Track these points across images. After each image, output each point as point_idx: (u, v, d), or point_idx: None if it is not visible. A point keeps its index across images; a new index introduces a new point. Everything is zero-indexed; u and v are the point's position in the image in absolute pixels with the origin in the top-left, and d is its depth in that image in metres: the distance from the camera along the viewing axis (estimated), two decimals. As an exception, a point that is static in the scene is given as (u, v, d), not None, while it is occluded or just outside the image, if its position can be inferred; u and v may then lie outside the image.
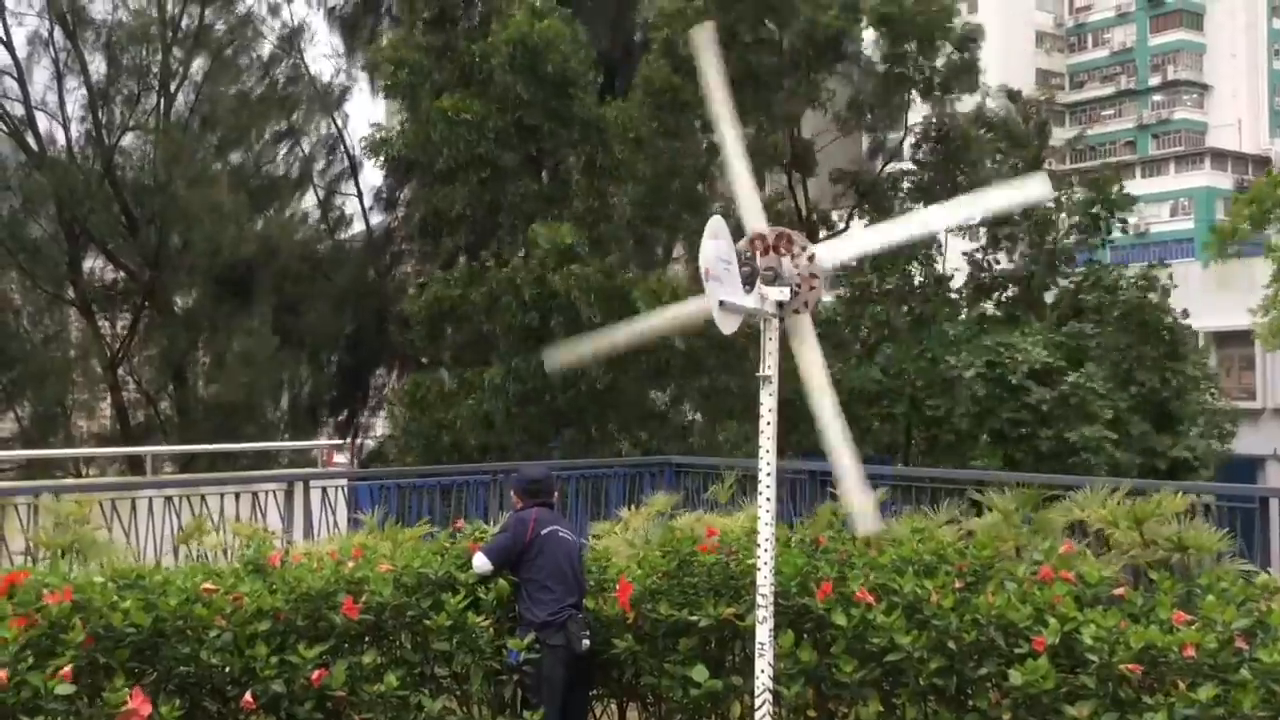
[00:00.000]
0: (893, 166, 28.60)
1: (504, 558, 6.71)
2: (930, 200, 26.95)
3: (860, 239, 5.85)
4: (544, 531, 6.77)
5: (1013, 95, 30.02)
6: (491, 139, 20.36)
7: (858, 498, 5.51)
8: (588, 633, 6.56)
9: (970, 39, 26.16)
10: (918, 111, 27.80)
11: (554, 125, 20.54)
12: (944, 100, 26.78)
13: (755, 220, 5.41)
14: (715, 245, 4.81)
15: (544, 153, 21.65)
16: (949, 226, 5.01)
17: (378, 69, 23.86)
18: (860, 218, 28.51)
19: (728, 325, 5.06)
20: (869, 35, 27.36)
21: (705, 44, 5.92)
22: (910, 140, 27.97)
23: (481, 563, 6.67)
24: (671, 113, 22.23)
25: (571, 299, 18.92)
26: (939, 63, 26.12)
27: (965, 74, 26.43)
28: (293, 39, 31.50)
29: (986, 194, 5.92)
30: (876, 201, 27.38)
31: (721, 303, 4.85)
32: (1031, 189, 5.77)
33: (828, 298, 26.92)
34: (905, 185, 27.73)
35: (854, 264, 23.72)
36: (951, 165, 26.57)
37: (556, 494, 7.40)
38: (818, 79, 25.69)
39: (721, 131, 5.67)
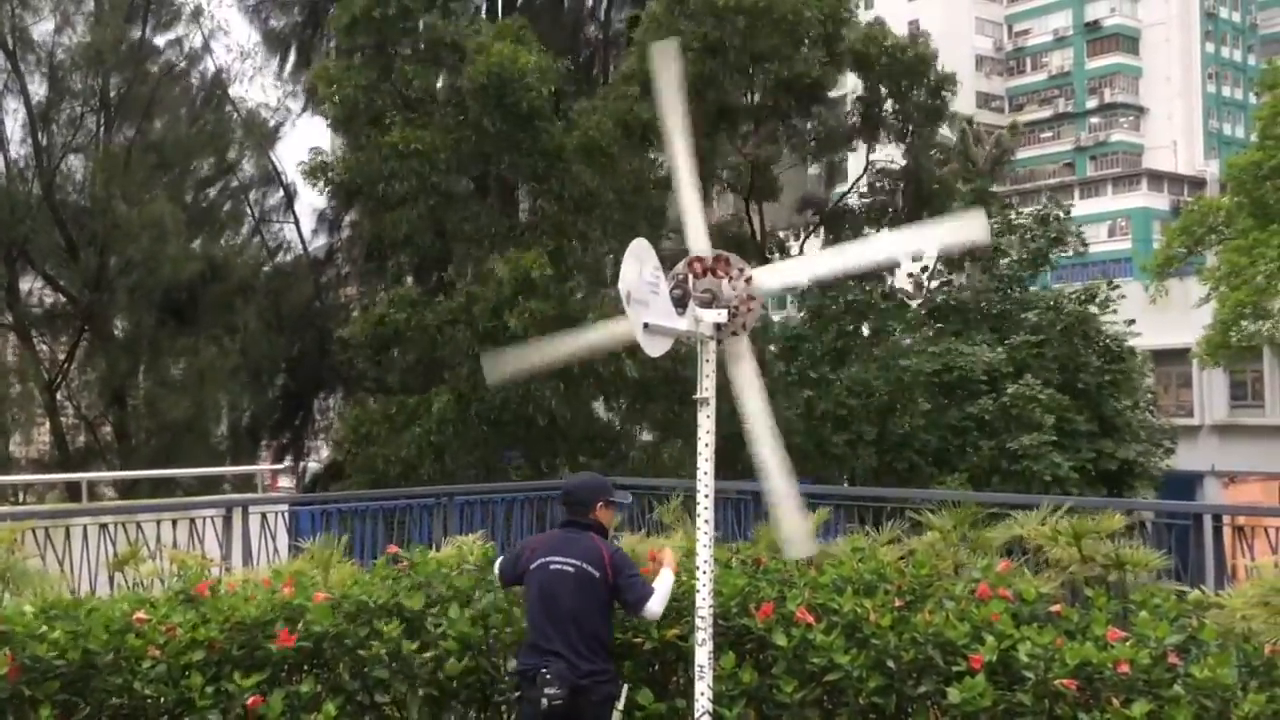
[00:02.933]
0: (853, 197, 28.84)
1: (504, 578, 6.32)
2: (890, 226, 27.37)
3: (804, 263, 5.87)
4: (534, 565, 6.04)
5: (969, 121, 30.44)
6: (443, 168, 20.33)
7: (795, 522, 5.47)
8: (555, 690, 5.73)
9: (943, 85, 26.32)
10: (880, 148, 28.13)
11: (515, 156, 20.50)
12: (914, 141, 26.96)
13: (699, 242, 5.40)
14: (639, 268, 4.81)
15: (497, 178, 21.58)
16: (893, 257, 5.01)
17: (316, 94, 23.67)
18: (815, 238, 28.80)
19: (654, 348, 5.03)
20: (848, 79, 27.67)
21: (664, 58, 5.72)
22: (870, 175, 28.20)
23: (496, 570, 6.43)
24: (635, 133, 22.35)
25: (526, 334, 18.90)
26: (911, 106, 26.29)
27: (935, 117, 26.69)
28: (237, 66, 31.40)
29: (929, 229, 5.93)
30: (837, 227, 27.65)
31: (646, 325, 4.83)
32: (970, 229, 5.74)
33: (797, 315, 27.29)
34: (862, 213, 27.98)
35: (800, 287, 23.82)
36: (915, 197, 26.85)
37: (597, 508, 6.17)
38: (795, 123, 25.93)
39: (674, 149, 5.55)
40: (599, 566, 5.88)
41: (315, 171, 22.19)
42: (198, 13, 30.02)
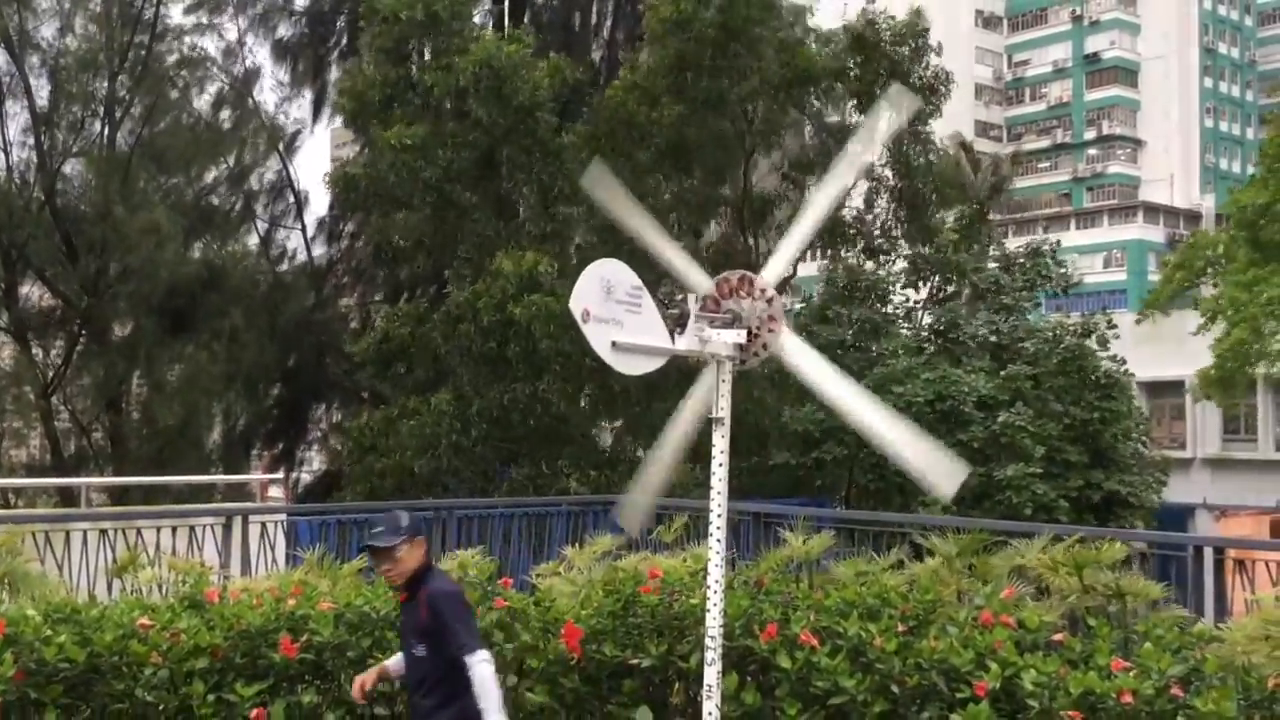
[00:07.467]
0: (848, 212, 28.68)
1: None
2: (889, 248, 27.34)
3: (819, 369, 5.74)
4: None
5: (966, 147, 30.35)
6: (441, 167, 20.33)
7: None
8: None
9: (940, 81, 25.86)
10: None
11: (513, 151, 20.50)
12: (908, 145, 26.57)
13: (700, 277, 5.39)
14: (601, 285, 4.85)
15: (501, 184, 21.58)
16: (866, 423, 4.97)
17: (339, 98, 23.59)
18: (813, 260, 28.74)
19: (626, 366, 5.01)
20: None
21: (603, 183, 5.74)
22: (865, 183, 28.02)
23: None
24: (628, 144, 22.29)
25: (530, 328, 18.84)
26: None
27: (927, 116, 26.29)
28: (245, 75, 31.38)
29: (914, 443, 5.71)
30: (834, 246, 27.55)
31: (615, 344, 4.86)
32: (944, 481, 5.57)
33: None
34: (855, 232, 27.85)
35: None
36: (908, 210, 26.66)
37: None
38: (789, 106, 25.20)
39: (642, 235, 5.52)
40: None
41: (338, 180, 22.19)
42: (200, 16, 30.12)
